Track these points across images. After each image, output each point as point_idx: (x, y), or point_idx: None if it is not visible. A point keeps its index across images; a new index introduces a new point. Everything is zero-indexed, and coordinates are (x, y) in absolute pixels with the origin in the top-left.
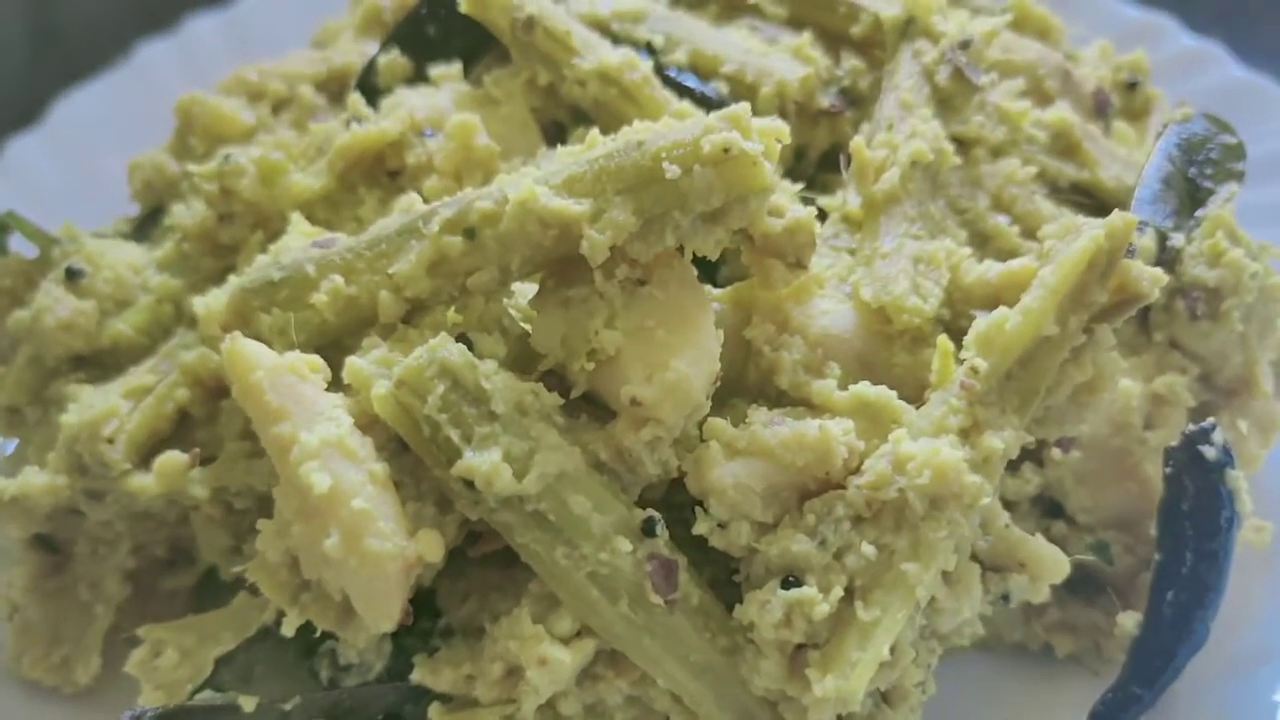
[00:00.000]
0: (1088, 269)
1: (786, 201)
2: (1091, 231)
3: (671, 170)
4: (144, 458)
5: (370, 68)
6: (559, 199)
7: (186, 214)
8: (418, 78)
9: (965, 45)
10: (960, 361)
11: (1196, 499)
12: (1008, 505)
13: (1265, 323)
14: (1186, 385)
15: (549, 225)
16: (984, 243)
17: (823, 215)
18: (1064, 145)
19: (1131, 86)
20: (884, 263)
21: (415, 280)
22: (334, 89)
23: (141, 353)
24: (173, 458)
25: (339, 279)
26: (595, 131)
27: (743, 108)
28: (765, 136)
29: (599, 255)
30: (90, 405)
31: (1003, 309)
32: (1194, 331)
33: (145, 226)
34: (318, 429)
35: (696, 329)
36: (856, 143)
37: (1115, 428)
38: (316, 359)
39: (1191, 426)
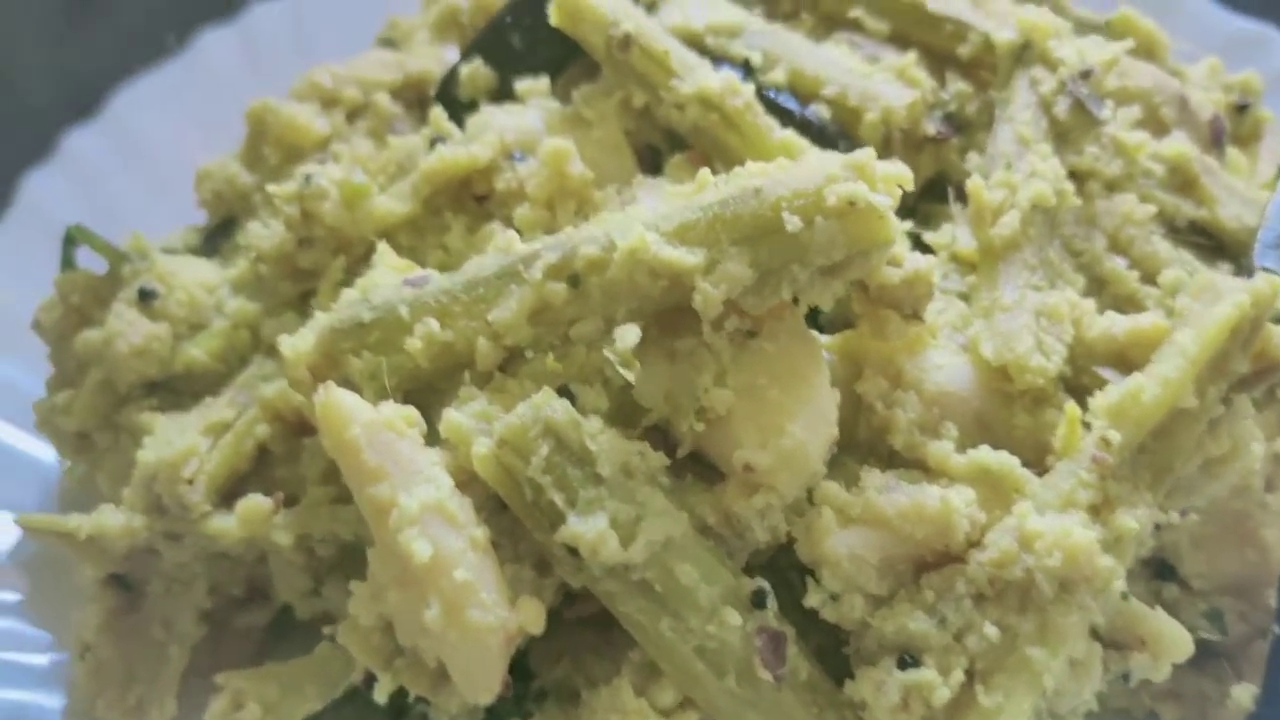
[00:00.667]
0: (1230, 337)
1: (904, 249)
2: (1235, 297)
3: (792, 222)
4: (224, 497)
5: (451, 78)
6: (671, 248)
7: (264, 235)
8: (502, 90)
9: (1086, 75)
10: (1086, 426)
11: None
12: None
13: None
14: None
15: (659, 276)
16: (1101, 287)
17: (927, 251)
18: (1181, 180)
19: (1241, 109)
20: (1005, 316)
21: (515, 329)
22: (410, 97)
23: (216, 379)
24: (255, 503)
25: (434, 324)
26: (705, 171)
27: (867, 154)
28: (888, 183)
29: (712, 310)
30: (167, 441)
31: (1137, 377)
32: None
33: (215, 239)
34: (417, 492)
35: (812, 388)
36: (974, 184)
37: (1235, 490)
38: (412, 412)
39: None
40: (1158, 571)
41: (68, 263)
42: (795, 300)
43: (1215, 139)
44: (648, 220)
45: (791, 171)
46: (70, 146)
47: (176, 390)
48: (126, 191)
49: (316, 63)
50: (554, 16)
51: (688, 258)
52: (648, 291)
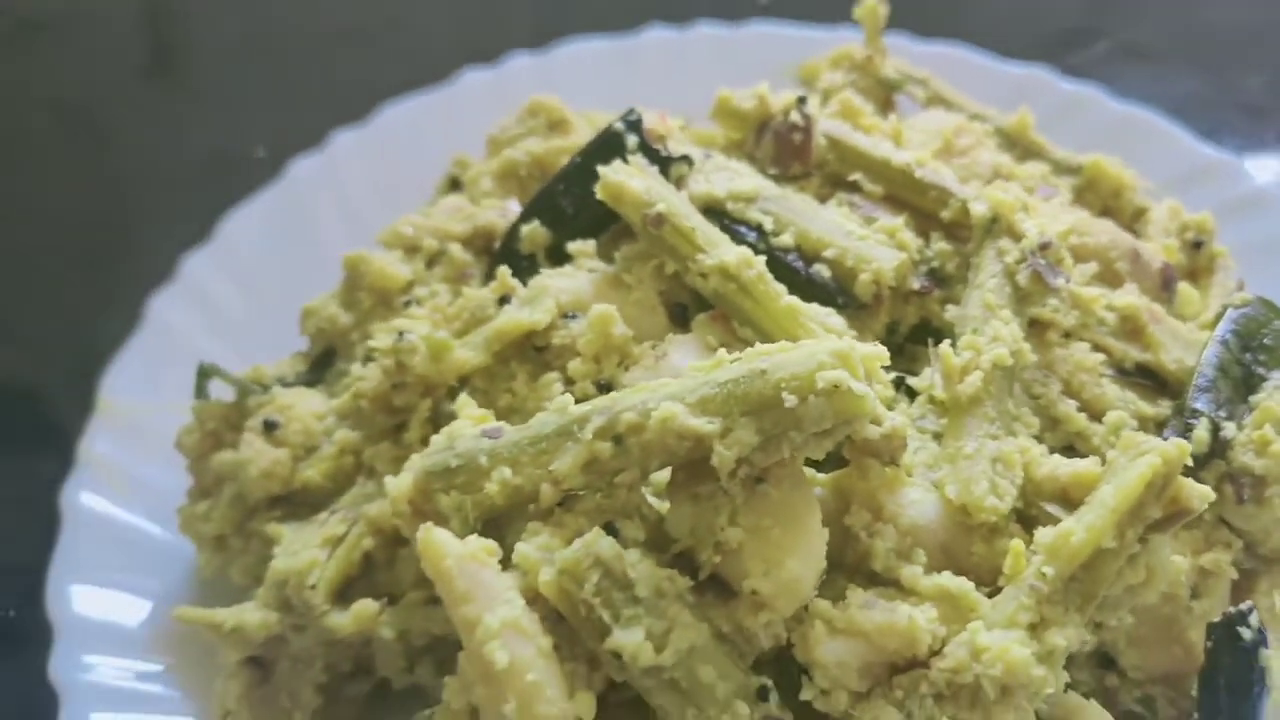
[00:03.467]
0: (1145, 490)
1: (884, 411)
2: (1150, 458)
3: (789, 400)
4: (338, 597)
5: (513, 234)
6: (694, 418)
7: (364, 376)
8: (555, 247)
9: (1045, 247)
10: (1030, 559)
11: (1232, 673)
12: (1069, 658)
13: None
14: (1231, 557)
15: (685, 438)
16: (1054, 426)
17: (910, 393)
18: (1131, 327)
19: (1196, 246)
20: (966, 463)
21: (571, 477)
22: (479, 245)
23: (327, 495)
24: (366, 605)
25: (507, 471)
26: (723, 352)
27: (848, 346)
28: (869, 363)
29: (726, 467)
30: (293, 552)
31: (1069, 521)
32: (1240, 513)
33: (320, 367)
34: (498, 611)
35: (806, 530)
36: (944, 350)
37: (1165, 598)
38: (492, 544)
39: (1232, 609)
40: (1101, 662)
41: (200, 392)
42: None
43: (1165, 285)
44: (676, 393)
45: (790, 355)
46: (188, 270)
47: (296, 503)
48: (237, 310)
49: (391, 185)
50: (600, 192)
51: (707, 426)
52: (675, 450)
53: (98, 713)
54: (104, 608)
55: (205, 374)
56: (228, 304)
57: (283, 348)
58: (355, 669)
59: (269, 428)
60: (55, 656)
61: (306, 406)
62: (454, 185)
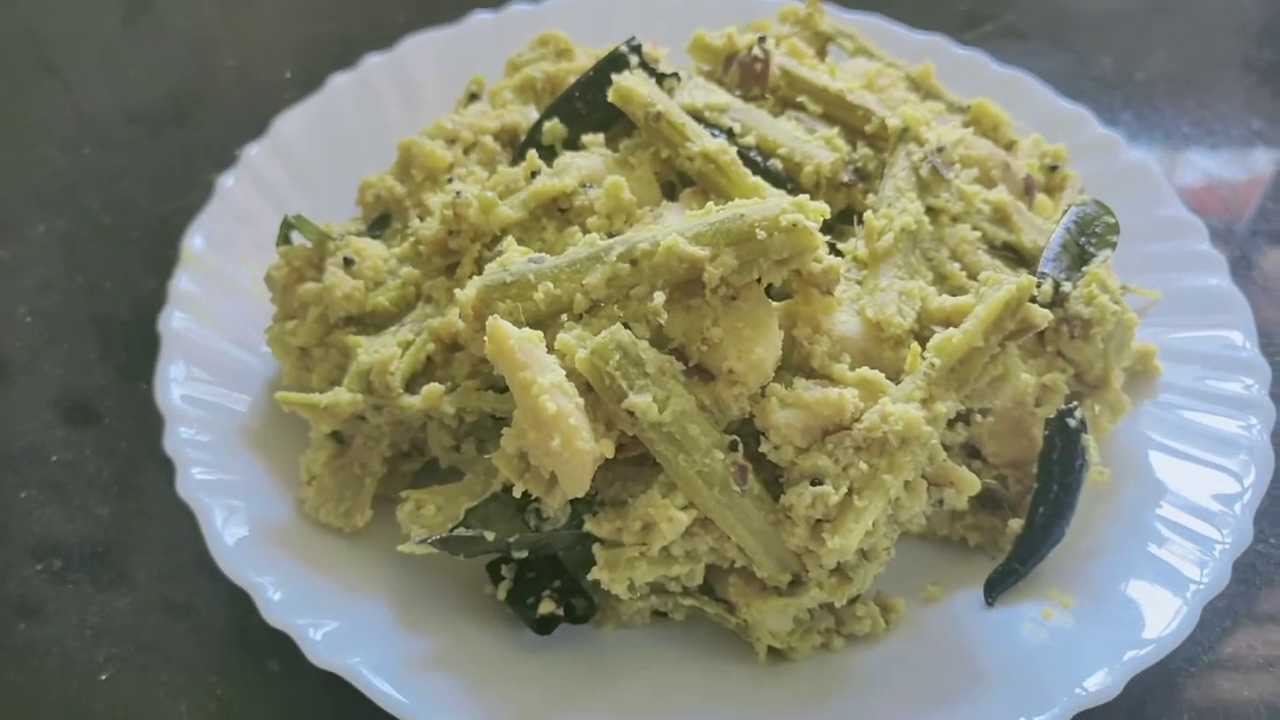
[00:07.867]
0: (1004, 309)
1: (823, 252)
2: (1008, 286)
3: (761, 234)
4: (408, 385)
5: (537, 129)
6: (691, 247)
7: (424, 227)
8: (571, 139)
9: (940, 150)
10: (924, 358)
11: (1062, 451)
12: (946, 448)
13: (1119, 343)
14: (1065, 380)
15: (684, 261)
16: (942, 280)
17: (840, 255)
18: (1000, 216)
19: (1053, 169)
20: (881, 294)
21: (598, 289)
22: (505, 139)
23: (391, 318)
24: (434, 388)
25: (550, 285)
26: (710, 204)
27: (804, 198)
28: (816, 214)
29: (713, 283)
30: (375, 350)
31: (952, 329)
32: (1072, 347)
33: (376, 227)
34: (548, 375)
35: (768, 331)
36: (868, 216)
37: (1016, 403)
38: (539, 334)
39: (1063, 406)
40: (970, 453)
41: (284, 239)
42: (760, 279)
43: (1027, 190)
44: (677, 229)
45: (762, 204)
46: (248, 155)
47: (367, 323)
48: (288, 187)
49: (413, 98)
50: (611, 96)
51: (700, 252)
52: (676, 270)
53: (201, 472)
54: (200, 401)
55: (289, 225)
56: (280, 183)
57: (327, 216)
58: (411, 448)
59: (348, 263)
60: (167, 435)
61: (374, 251)
62: (472, 98)
